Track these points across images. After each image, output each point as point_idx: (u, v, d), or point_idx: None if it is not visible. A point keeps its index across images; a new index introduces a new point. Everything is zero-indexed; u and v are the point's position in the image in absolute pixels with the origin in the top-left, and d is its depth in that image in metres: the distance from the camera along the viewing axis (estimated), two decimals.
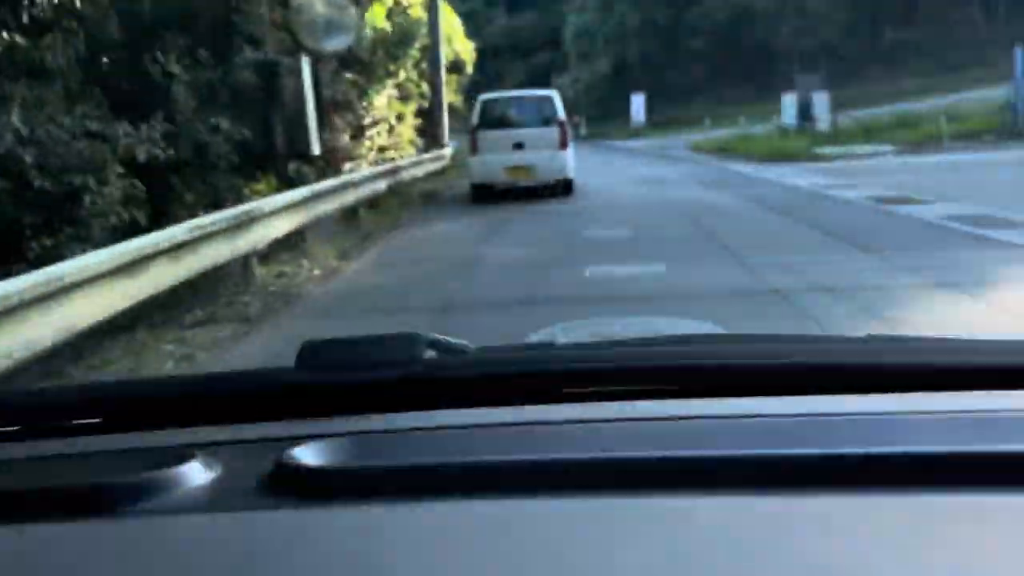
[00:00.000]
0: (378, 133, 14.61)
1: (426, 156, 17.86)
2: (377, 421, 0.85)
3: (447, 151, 20.31)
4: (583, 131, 39.42)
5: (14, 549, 0.64)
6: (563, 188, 13.18)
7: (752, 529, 0.60)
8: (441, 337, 0.89)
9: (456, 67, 25.77)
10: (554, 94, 13.84)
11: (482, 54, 48.97)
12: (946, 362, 0.88)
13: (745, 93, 42.48)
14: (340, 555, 0.60)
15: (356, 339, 0.89)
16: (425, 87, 19.62)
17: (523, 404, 0.86)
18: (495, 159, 12.81)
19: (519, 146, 12.86)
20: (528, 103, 13.88)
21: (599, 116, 45.32)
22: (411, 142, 18.04)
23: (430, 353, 0.86)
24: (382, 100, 14.47)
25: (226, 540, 0.64)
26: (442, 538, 0.62)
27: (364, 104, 13.36)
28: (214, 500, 0.69)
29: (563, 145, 12.95)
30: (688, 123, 38.05)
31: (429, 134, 20.06)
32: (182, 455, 0.74)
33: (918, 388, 0.83)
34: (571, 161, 13.12)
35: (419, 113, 19.08)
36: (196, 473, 0.72)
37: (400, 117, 16.64)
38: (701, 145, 26.83)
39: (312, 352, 0.86)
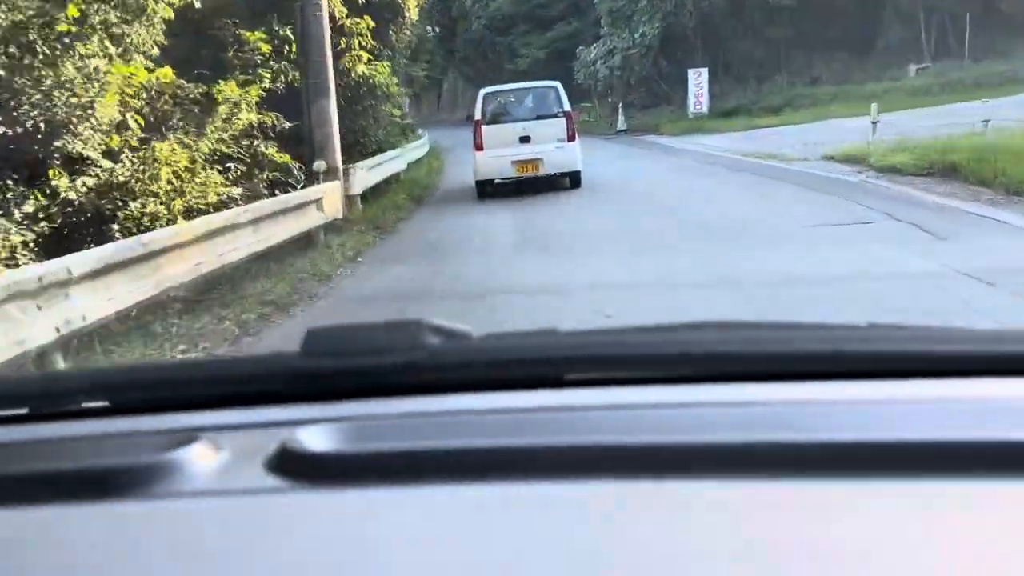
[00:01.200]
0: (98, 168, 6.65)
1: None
2: (381, 406, 0.85)
3: (330, 190, 9.15)
4: (622, 123, 28.64)
5: (23, 532, 0.66)
6: (572, 181, 12.59)
7: (752, 515, 0.60)
8: (444, 323, 0.89)
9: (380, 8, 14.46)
10: (558, 85, 13.08)
11: (489, 28, 42.46)
12: (947, 350, 0.88)
13: (842, 70, 30.14)
14: (344, 538, 0.61)
15: (360, 325, 0.89)
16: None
17: (525, 390, 0.87)
18: (501, 154, 12.13)
19: (525, 139, 12.23)
20: (532, 95, 13.13)
21: (643, 102, 32.83)
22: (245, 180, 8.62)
23: (434, 339, 0.86)
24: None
25: (232, 523, 0.65)
26: (444, 522, 0.62)
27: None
28: (220, 483, 0.70)
29: (571, 137, 12.35)
30: (766, 110, 26.29)
31: (307, 152, 9.94)
32: (189, 439, 0.75)
33: (919, 375, 0.83)
34: (579, 153, 12.51)
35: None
36: (202, 457, 0.73)
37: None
38: (854, 155, 12.38)
39: (316, 338, 0.87)
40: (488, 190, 12.66)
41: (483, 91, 13.20)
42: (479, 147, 12.38)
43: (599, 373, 0.90)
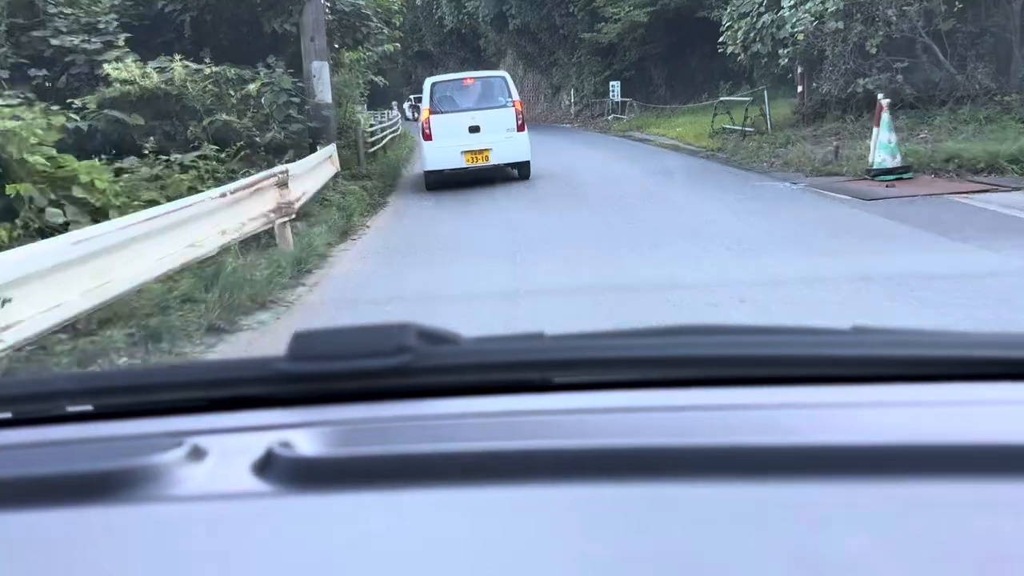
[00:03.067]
0: None
1: None
2: (367, 410, 0.85)
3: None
4: (886, 146, 9.44)
5: (7, 536, 0.65)
6: (521, 172, 12.70)
7: (740, 518, 0.60)
8: (431, 327, 0.89)
9: None
10: (506, 75, 13.14)
11: None
12: (932, 355, 0.88)
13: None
14: (330, 542, 0.61)
15: (347, 329, 0.89)
16: None
17: (513, 394, 0.87)
18: (450, 144, 12.03)
19: (475, 129, 12.11)
20: (481, 84, 13.03)
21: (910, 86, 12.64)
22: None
23: (421, 343, 0.86)
24: None
25: (219, 527, 0.65)
26: (432, 526, 0.62)
27: None
28: (207, 488, 0.69)
29: (520, 127, 12.31)
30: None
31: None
32: (175, 443, 0.74)
33: (905, 380, 0.84)
34: (528, 143, 12.49)
35: None
36: (189, 461, 0.73)
37: None
38: None
39: (303, 342, 0.86)
40: (435, 180, 12.57)
41: (430, 80, 12.96)
42: (427, 137, 12.26)
43: (586, 377, 0.90)
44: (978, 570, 0.53)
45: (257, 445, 0.73)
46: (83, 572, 0.60)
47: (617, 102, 27.66)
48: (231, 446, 0.77)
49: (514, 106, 12.33)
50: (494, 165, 12.27)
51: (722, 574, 0.54)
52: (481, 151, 12.09)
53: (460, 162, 12.14)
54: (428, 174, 12.54)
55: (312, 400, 0.87)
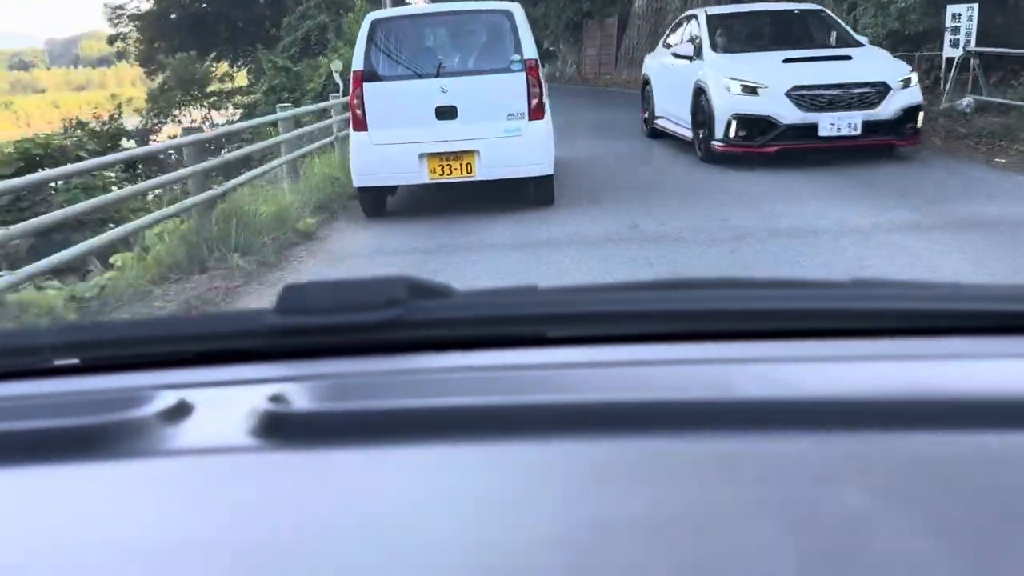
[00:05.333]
0: None
1: None
2: (358, 364, 0.84)
3: None
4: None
5: None
6: (538, 192, 7.02)
7: (738, 473, 0.60)
8: (424, 280, 0.88)
9: None
10: (514, 7, 6.86)
11: None
12: (932, 307, 0.88)
13: None
14: (318, 497, 0.60)
15: (339, 282, 0.88)
16: None
17: (506, 348, 0.86)
18: (403, 138, 6.63)
19: (448, 112, 6.62)
20: (464, 27, 7.31)
21: None
22: None
23: (414, 296, 0.85)
24: None
25: (205, 481, 0.64)
26: (421, 481, 0.62)
27: None
28: (196, 442, 0.69)
29: (535, 111, 6.64)
30: None
31: None
32: (162, 397, 0.74)
33: (905, 333, 0.83)
34: (550, 140, 6.82)
35: None
36: (177, 415, 0.72)
37: None
38: None
39: (293, 294, 0.85)
40: (376, 202, 7.23)
41: (371, 17, 7.00)
42: (359, 124, 6.74)
43: (580, 331, 0.90)
44: (980, 525, 0.53)
45: (246, 399, 0.73)
46: (71, 527, 0.59)
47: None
48: (219, 400, 0.76)
49: (527, 71, 6.67)
50: (482, 177, 6.75)
51: (720, 529, 0.53)
52: (458, 155, 6.67)
53: (419, 173, 6.72)
54: (363, 193, 7.11)
55: (302, 354, 0.86)
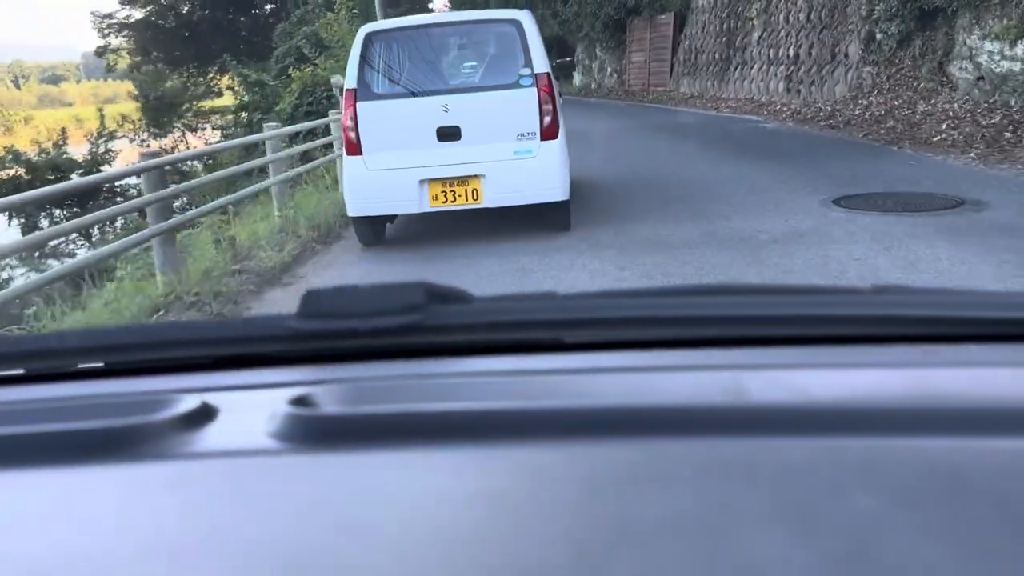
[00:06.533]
0: None
1: None
2: (377, 369, 0.85)
3: None
4: None
5: (19, 493, 0.65)
6: (555, 217, 6.46)
7: (755, 479, 0.60)
8: (444, 285, 0.89)
9: None
10: (523, 17, 6.36)
11: None
12: (953, 315, 0.87)
13: None
14: (342, 501, 0.61)
15: (359, 287, 0.89)
16: None
17: (525, 353, 0.87)
18: (400, 162, 6.17)
19: (452, 133, 6.14)
20: (468, 39, 6.84)
21: None
22: None
23: (433, 301, 0.86)
24: None
25: (227, 484, 0.65)
26: (440, 485, 0.62)
27: None
28: (219, 445, 0.70)
29: (548, 130, 6.12)
30: None
31: None
32: (186, 400, 0.75)
33: (925, 340, 0.83)
34: (564, 164, 6.27)
35: None
36: (198, 418, 0.73)
37: None
38: None
39: (315, 299, 0.86)
40: (372, 232, 6.72)
41: (365, 29, 6.55)
42: (353, 148, 6.27)
43: (599, 336, 0.90)
44: (994, 534, 0.53)
45: (267, 403, 0.73)
46: (95, 530, 0.60)
47: None
48: (241, 404, 0.77)
49: (538, 86, 6.13)
50: (489, 204, 6.25)
51: (735, 534, 0.54)
52: (463, 180, 6.18)
53: (420, 201, 6.23)
54: (358, 224, 6.63)
55: (323, 358, 0.87)
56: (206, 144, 22.61)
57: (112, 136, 20.54)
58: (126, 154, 25.27)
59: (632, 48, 25.95)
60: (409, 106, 6.28)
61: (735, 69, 19.12)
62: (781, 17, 17.41)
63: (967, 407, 0.67)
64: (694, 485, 0.60)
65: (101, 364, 0.92)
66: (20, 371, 0.92)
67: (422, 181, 6.20)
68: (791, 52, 16.79)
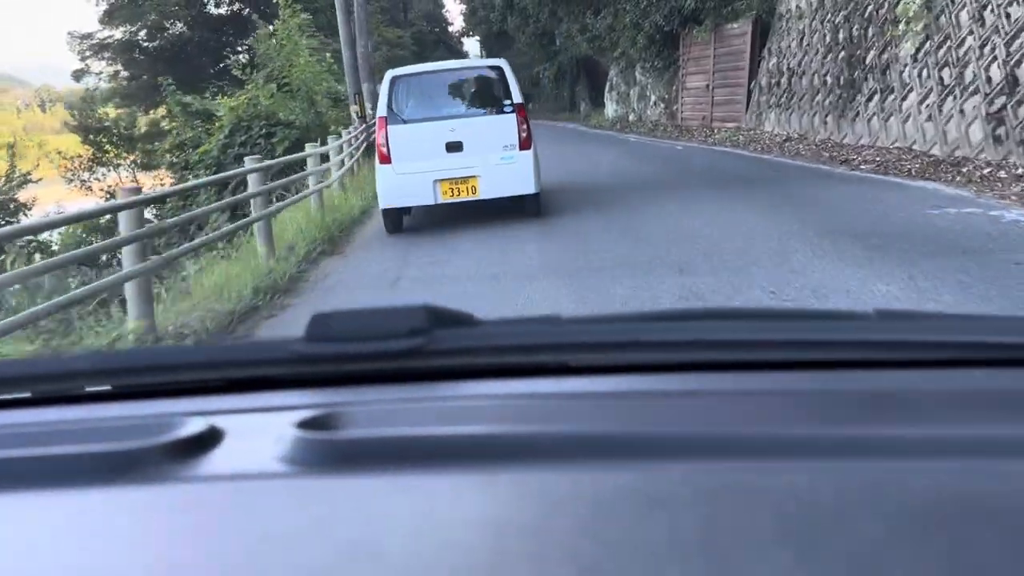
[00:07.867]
0: None
1: None
2: (385, 392, 0.85)
3: None
4: None
5: (26, 516, 0.66)
6: (528, 207, 9.14)
7: (758, 504, 0.60)
8: (448, 309, 0.89)
9: None
10: (504, 64, 9.25)
11: None
12: (956, 339, 0.87)
13: None
14: (348, 523, 0.61)
15: (365, 310, 0.89)
16: None
17: (529, 377, 0.87)
18: (418, 169, 8.75)
19: (456, 147, 8.75)
20: (466, 79, 9.57)
21: None
22: None
23: (439, 325, 0.86)
24: None
25: (235, 507, 0.65)
26: (449, 508, 0.62)
27: None
28: (226, 468, 0.70)
29: (524, 143, 8.83)
30: None
31: None
32: (193, 423, 0.75)
33: (929, 365, 0.83)
34: (536, 166, 8.98)
35: None
36: (205, 441, 0.73)
37: None
38: None
39: (321, 323, 0.87)
40: (397, 221, 9.29)
41: (391, 73, 9.26)
42: (385, 158, 8.90)
43: (603, 360, 0.90)
44: (996, 557, 0.53)
45: (275, 426, 0.74)
46: (101, 551, 0.60)
47: None
48: (248, 427, 0.77)
49: (516, 112, 8.96)
50: (484, 199, 8.92)
51: (737, 558, 0.53)
52: (464, 180, 8.80)
53: (433, 195, 8.83)
54: (387, 213, 9.22)
55: (329, 381, 0.87)
56: (162, 185, 19.04)
57: (27, 180, 18.22)
58: (58, 197, 22.42)
59: (688, 69, 19.72)
60: (425, 128, 8.88)
61: (868, 100, 12.35)
62: (963, 15, 10.28)
63: (973, 431, 0.66)
64: (698, 509, 0.60)
65: (108, 387, 0.92)
66: (27, 394, 0.92)
67: (435, 181, 8.76)
68: (992, 73, 9.60)
